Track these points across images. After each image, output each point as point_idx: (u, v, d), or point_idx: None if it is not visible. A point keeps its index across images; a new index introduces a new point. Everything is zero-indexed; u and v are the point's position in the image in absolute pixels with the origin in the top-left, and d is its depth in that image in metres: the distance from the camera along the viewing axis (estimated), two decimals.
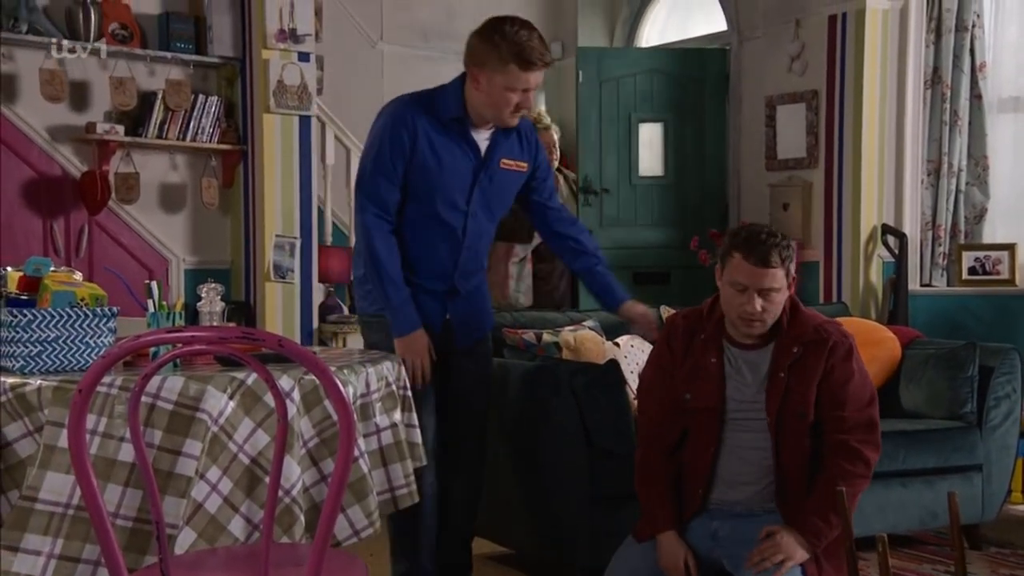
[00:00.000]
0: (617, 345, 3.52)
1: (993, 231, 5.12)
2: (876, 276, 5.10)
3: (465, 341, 2.88)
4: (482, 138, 2.80)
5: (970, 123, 5.08)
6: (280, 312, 4.86)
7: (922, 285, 5.14)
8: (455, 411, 2.89)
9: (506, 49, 2.64)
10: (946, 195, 5.09)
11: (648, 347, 3.56)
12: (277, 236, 4.84)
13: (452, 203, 2.76)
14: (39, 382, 1.94)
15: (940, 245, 5.14)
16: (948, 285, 5.12)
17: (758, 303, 2.48)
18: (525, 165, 2.88)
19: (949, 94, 5.03)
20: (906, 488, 3.48)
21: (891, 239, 5.05)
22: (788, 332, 2.56)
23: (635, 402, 3.19)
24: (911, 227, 5.12)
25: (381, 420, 2.29)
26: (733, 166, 5.86)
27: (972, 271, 4.99)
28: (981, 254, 4.99)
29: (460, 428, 2.90)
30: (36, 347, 2.04)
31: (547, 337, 3.45)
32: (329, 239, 5.29)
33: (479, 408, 2.95)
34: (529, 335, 3.46)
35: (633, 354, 3.52)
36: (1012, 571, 3.40)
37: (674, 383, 2.60)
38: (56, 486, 1.85)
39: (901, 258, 4.99)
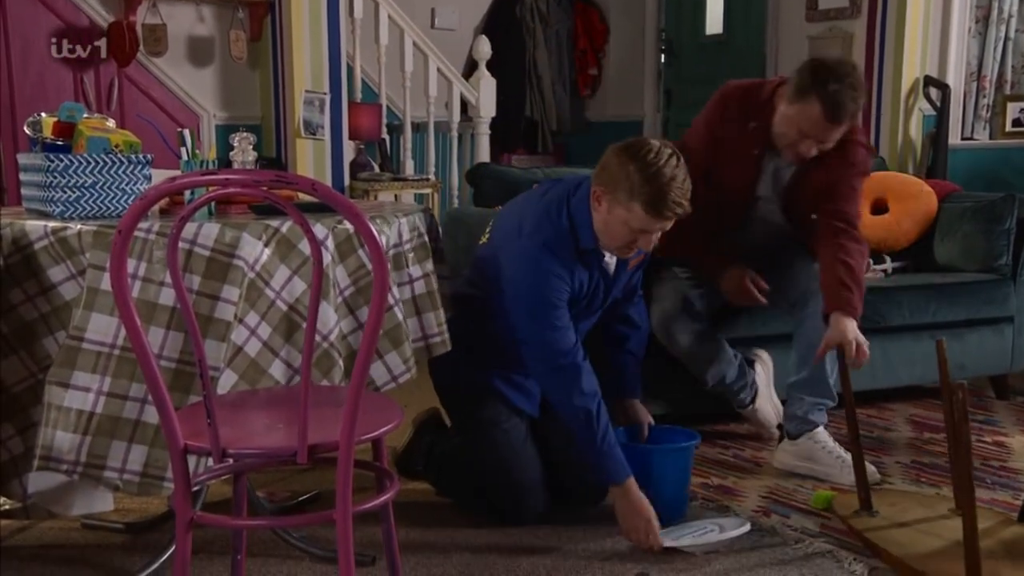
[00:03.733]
0: None
1: None
2: (916, 130, 4.99)
3: None
4: (610, 255, 2.47)
5: None
6: (311, 168, 4.85)
7: (963, 139, 5.02)
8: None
9: (638, 185, 2.22)
10: (993, 43, 4.91)
11: None
12: (307, 92, 4.78)
13: (589, 322, 2.56)
14: (79, 226, 1.96)
15: (984, 97, 4.99)
16: (990, 138, 5.00)
17: (815, 150, 2.62)
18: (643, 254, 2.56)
19: None
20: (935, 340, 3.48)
21: (933, 91, 4.91)
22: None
23: None
24: (955, 78, 4.97)
25: (414, 270, 2.31)
26: (772, 17, 5.67)
27: (1016, 123, 4.86)
28: None
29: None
30: (75, 192, 2.06)
31: None
32: (359, 95, 5.22)
33: None
34: None
35: None
36: None
37: (712, 157, 2.73)
38: (101, 327, 1.90)
39: (943, 111, 4.86)
